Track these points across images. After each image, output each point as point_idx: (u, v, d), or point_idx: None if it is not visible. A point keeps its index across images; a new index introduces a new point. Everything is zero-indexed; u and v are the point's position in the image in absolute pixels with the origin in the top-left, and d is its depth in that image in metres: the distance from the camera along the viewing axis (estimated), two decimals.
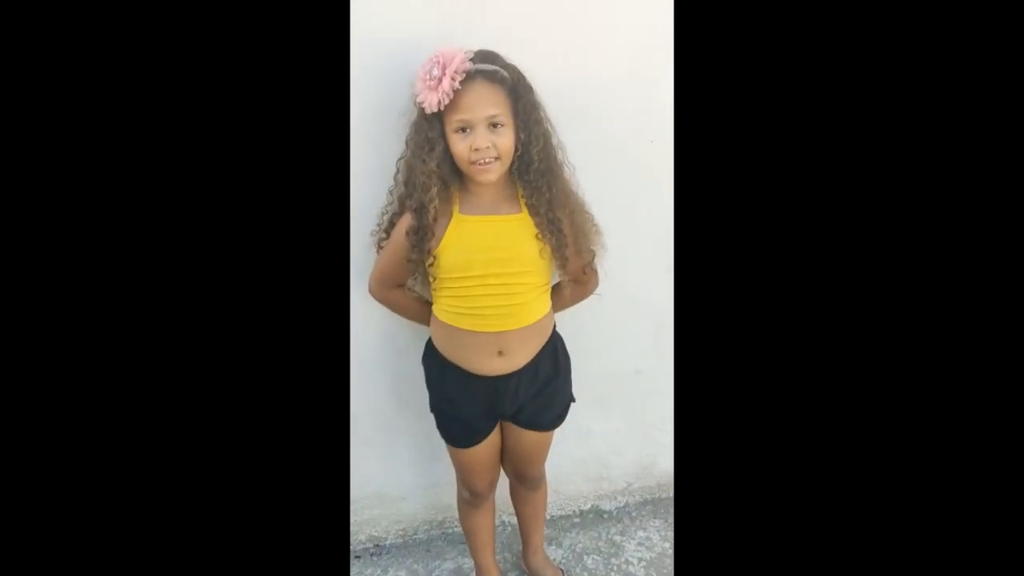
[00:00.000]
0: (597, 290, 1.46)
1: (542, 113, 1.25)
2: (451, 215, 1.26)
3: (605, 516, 1.90)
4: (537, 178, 1.24)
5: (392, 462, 1.75)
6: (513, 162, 1.23)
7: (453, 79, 1.13)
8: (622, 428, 1.85)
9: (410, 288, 1.41)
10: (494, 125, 1.18)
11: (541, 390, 1.39)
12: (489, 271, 1.25)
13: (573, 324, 1.47)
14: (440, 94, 1.14)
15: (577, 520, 1.89)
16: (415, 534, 1.84)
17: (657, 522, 1.86)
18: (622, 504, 1.93)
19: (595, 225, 1.36)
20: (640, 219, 1.58)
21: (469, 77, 1.16)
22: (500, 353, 1.30)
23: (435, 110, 1.17)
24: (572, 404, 1.47)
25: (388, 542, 1.82)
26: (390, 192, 1.34)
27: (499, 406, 1.37)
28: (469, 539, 1.60)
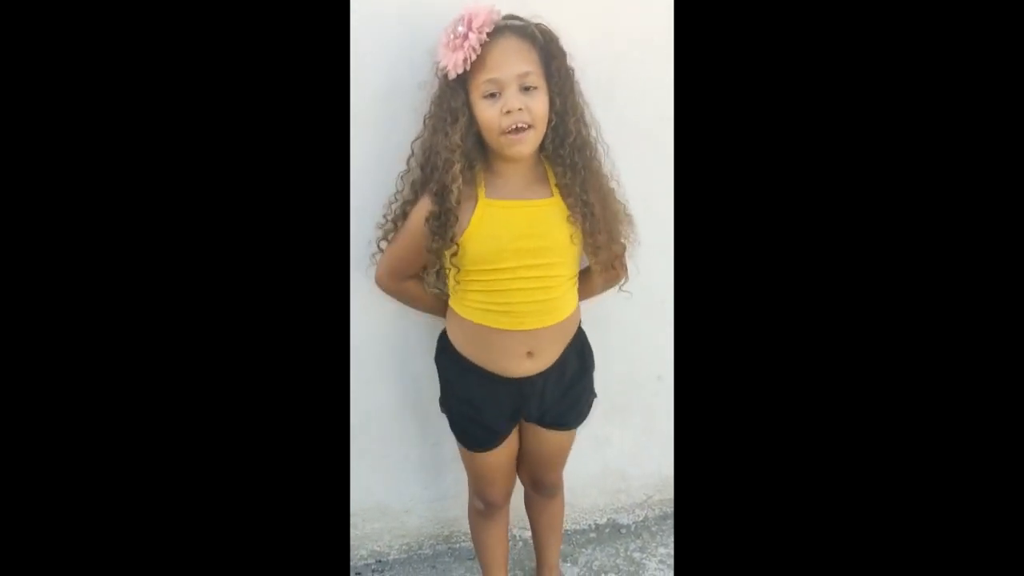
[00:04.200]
0: (626, 287, 1.35)
1: (576, 83, 1.14)
2: (476, 199, 1.14)
3: (623, 531, 1.78)
4: (572, 154, 1.13)
5: (395, 472, 1.63)
6: (546, 135, 1.13)
7: (480, 33, 1.03)
8: (641, 437, 1.73)
9: (426, 283, 1.28)
10: (526, 88, 1.08)
11: (568, 389, 1.28)
12: (521, 262, 1.14)
13: (592, 324, 1.35)
14: (466, 50, 1.04)
15: (593, 535, 1.77)
16: (420, 549, 1.72)
17: None
18: (640, 518, 1.81)
19: (628, 215, 1.26)
20: (667, 212, 1.45)
21: (497, 31, 1.06)
22: (529, 354, 1.20)
23: (460, 70, 1.06)
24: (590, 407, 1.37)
25: (391, 557, 1.70)
26: (400, 178, 1.22)
27: (524, 408, 1.26)
28: (481, 555, 1.48)
